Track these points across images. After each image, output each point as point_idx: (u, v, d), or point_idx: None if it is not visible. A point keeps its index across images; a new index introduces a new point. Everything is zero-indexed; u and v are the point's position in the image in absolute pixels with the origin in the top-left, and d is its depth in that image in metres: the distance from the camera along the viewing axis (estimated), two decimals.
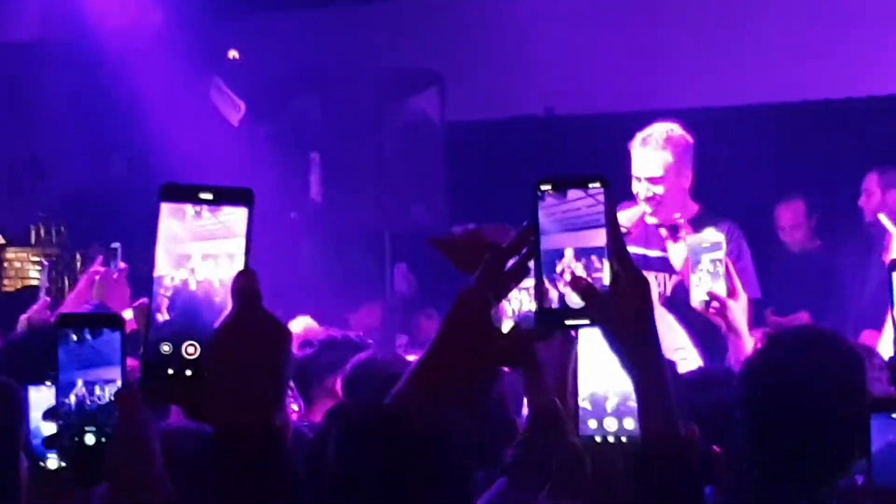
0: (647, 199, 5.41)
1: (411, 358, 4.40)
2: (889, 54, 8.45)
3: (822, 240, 8.19)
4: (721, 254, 3.89)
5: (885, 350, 3.75)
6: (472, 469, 2.36)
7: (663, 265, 5.38)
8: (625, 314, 1.90)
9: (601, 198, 1.93)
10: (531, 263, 1.98)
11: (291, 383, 4.75)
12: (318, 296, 7.75)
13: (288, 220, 8.47)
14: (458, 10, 9.76)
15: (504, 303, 2.07)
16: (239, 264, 1.71)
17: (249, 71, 8.71)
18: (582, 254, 1.93)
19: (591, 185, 1.95)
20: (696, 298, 3.89)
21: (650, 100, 8.81)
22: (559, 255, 1.94)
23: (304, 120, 8.63)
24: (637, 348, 1.91)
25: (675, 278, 5.28)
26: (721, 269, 3.87)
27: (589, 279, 1.91)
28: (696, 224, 5.35)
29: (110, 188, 9.48)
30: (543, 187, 1.96)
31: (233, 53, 8.79)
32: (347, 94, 8.62)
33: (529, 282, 2.01)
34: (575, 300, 1.92)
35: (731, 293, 3.88)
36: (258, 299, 1.66)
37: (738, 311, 3.88)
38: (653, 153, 5.42)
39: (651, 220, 5.47)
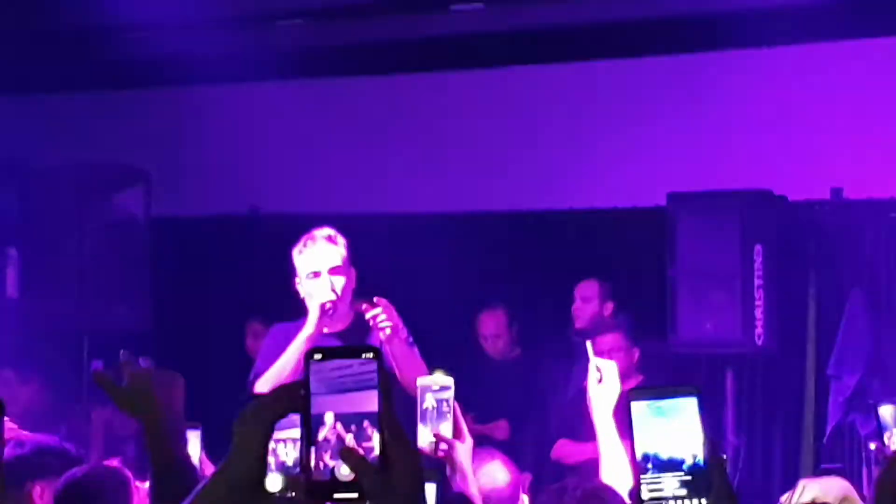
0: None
1: None
2: (592, 169, 8.73)
3: (522, 348, 8.32)
4: (449, 394, 3.93)
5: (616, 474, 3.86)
6: None
7: None
8: (394, 490, 1.84)
9: (373, 364, 1.90)
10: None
11: None
12: None
13: None
14: (164, 105, 9.64)
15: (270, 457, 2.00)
16: None
17: None
18: (350, 419, 1.87)
19: (364, 355, 1.93)
20: (424, 439, 3.92)
21: (353, 202, 8.88)
22: (325, 419, 1.89)
23: (2, 214, 8.36)
24: None
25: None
26: (448, 411, 3.92)
27: (359, 449, 1.86)
28: (353, 332, 5.24)
29: None
30: (316, 356, 1.93)
31: None
32: (47, 190, 8.41)
33: (293, 432, 1.96)
34: (344, 472, 1.88)
35: (458, 434, 3.94)
36: None
37: (464, 452, 3.93)
38: (329, 247, 5.24)
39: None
